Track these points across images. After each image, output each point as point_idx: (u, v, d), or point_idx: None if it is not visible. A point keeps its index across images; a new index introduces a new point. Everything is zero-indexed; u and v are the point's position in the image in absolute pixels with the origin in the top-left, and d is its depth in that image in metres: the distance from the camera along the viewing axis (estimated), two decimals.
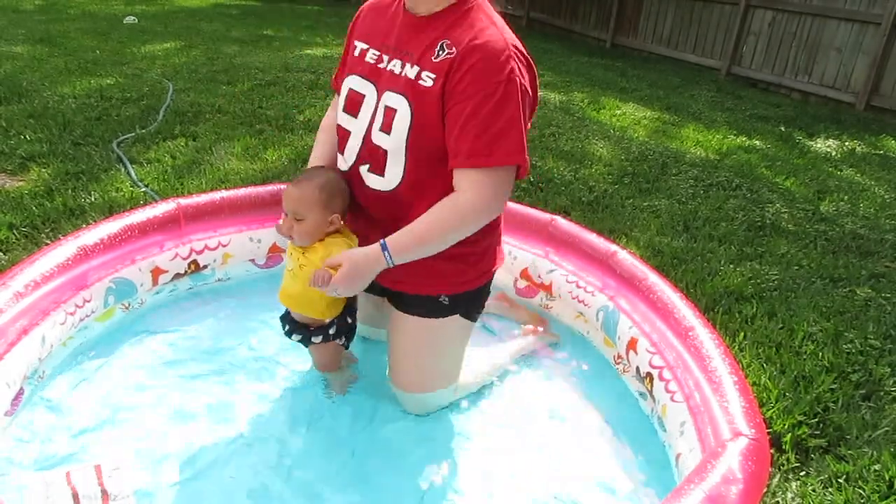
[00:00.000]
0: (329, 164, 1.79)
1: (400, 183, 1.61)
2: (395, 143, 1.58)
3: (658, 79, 7.46)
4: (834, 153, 5.02)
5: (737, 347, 2.28)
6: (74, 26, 7.62)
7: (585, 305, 2.17)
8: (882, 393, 2.10)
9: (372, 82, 1.63)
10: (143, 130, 4.04)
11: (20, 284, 1.78)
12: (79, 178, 3.25)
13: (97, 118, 4.21)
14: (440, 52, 1.51)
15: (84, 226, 2.42)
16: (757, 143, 5.09)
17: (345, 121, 1.70)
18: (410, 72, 1.55)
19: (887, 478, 1.73)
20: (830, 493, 1.70)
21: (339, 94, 1.77)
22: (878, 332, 2.43)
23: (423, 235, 1.55)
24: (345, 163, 1.72)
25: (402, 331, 1.82)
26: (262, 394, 1.90)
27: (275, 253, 2.46)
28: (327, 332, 1.77)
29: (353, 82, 1.68)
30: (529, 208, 2.50)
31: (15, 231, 2.67)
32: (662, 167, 4.19)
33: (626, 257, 2.16)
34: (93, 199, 3.00)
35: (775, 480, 1.72)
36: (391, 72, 1.59)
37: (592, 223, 3.12)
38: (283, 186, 2.52)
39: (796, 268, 2.94)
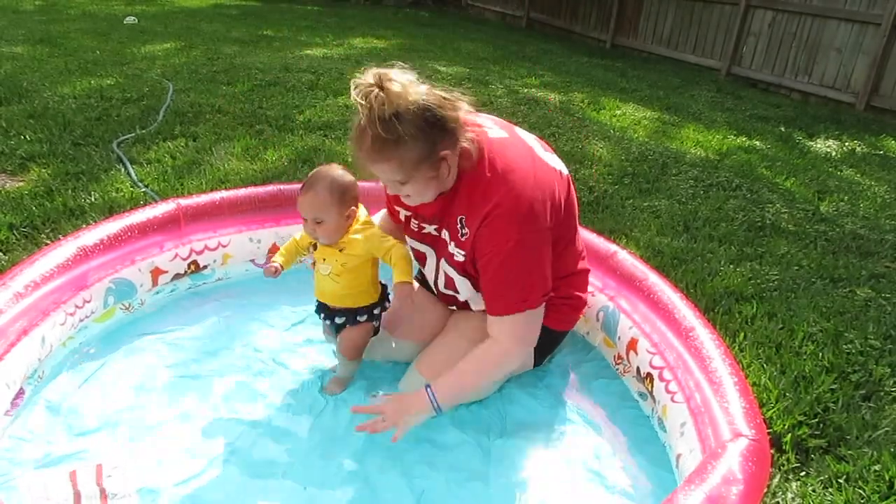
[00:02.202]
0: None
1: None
2: (463, 296, 1.87)
3: (658, 79, 7.46)
4: (834, 153, 5.02)
5: (737, 348, 2.28)
6: (74, 26, 7.62)
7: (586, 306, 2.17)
8: (882, 393, 2.10)
9: (427, 245, 1.88)
10: (144, 131, 4.04)
11: (20, 285, 1.78)
12: (79, 178, 3.25)
13: (97, 118, 4.22)
14: (462, 231, 1.72)
15: (84, 226, 2.42)
16: (757, 143, 5.09)
17: (419, 267, 1.97)
18: (450, 247, 1.79)
19: (887, 478, 1.73)
20: (830, 494, 1.70)
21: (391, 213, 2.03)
22: (878, 332, 2.43)
23: (468, 383, 1.77)
24: (430, 274, 1.96)
25: (465, 320, 1.93)
26: (261, 394, 1.90)
27: (274, 253, 2.46)
28: (371, 311, 1.89)
29: (412, 243, 1.92)
30: None
31: (15, 231, 2.67)
32: (662, 167, 4.20)
33: (626, 257, 2.16)
34: (93, 200, 3.00)
35: (775, 481, 1.72)
36: (440, 238, 1.82)
37: (592, 223, 3.12)
38: (283, 187, 2.53)
39: (796, 268, 2.94)
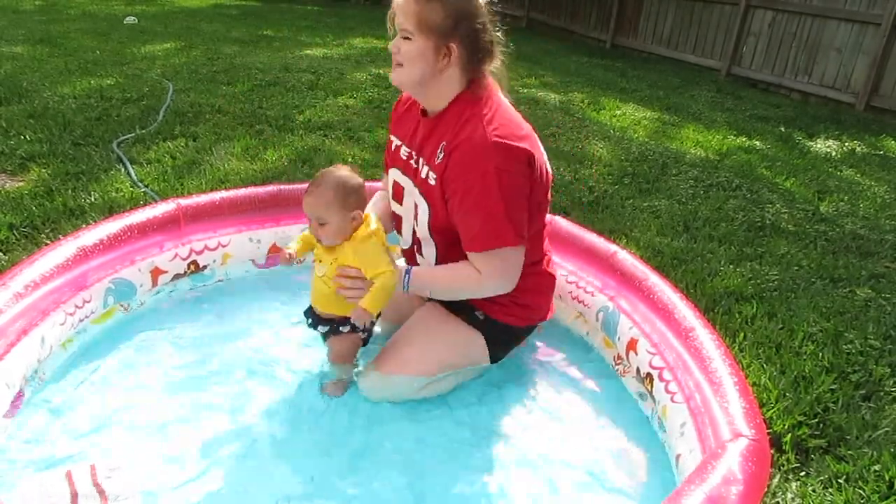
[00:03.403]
0: (383, 217, 1.97)
1: (436, 263, 1.86)
2: (422, 233, 1.84)
3: (658, 79, 7.46)
4: (834, 153, 5.02)
5: (737, 348, 2.27)
6: (74, 26, 7.62)
7: (585, 306, 2.17)
8: (882, 393, 2.10)
9: (407, 176, 1.85)
10: (143, 131, 4.04)
11: (20, 285, 1.78)
12: (79, 178, 3.25)
13: (97, 118, 4.21)
14: (439, 154, 1.71)
15: (84, 226, 2.42)
16: (757, 143, 5.09)
17: (395, 207, 1.95)
18: (423, 171, 1.78)
19: (887, 478, 1.73)
20: (830, 494, 1.70)
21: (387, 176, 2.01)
22: (878, 332, 2.43)
23: (439, 283, 1.81)
24: (405, 243, 1.97)
25: (426, 311, 1.94)
26: (261, 394, 1.90)
27: (274, 253, 2.46)
28: (355, 323, 1.83)
29: (395, 174, 1.91)
30: None
31: (15, 231, 2.67)
32: (662, 167, 4.19)
33: (626, 257, 2.16)
34: (93, 200, 3.00)
35: (775, 481, 1.72)
36: (416, 169, 1.81)
37: (592, 223, 3.12)
38: (283, 187, 2.53)
39: (796, 268, 2.94)
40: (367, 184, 1.83)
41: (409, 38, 1.63)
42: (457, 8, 1.61)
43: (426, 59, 1.64)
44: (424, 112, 1.81)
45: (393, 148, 1.93)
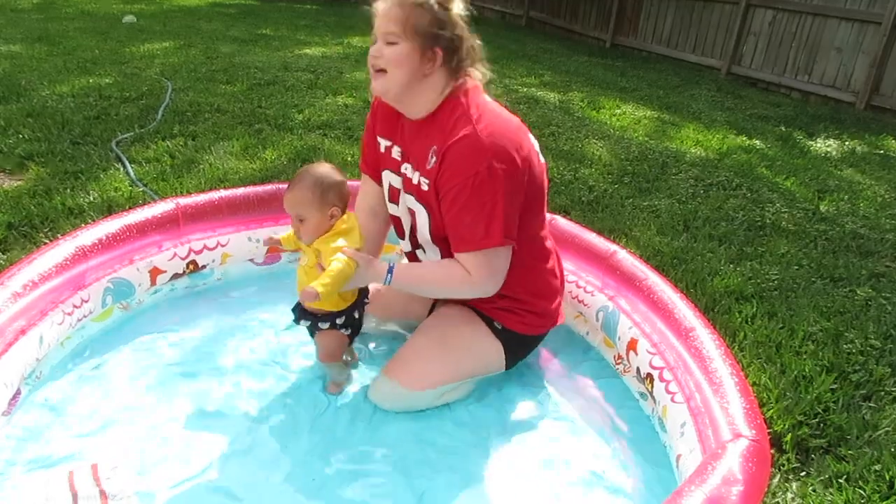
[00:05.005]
0: (372, 245, 1.97)
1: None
2: (424, 238, 1.83)
3: (658, 78, 7.45)
4: (834, 153, 5.01)
5: (737, 347, 2.27)
6: (73, 25, 7.61)
7: (585, 305, 2.17)
8: (882, 393, 2.10)
9: (401, 178, 1.84)
10: (142, 130, 4.03)
11: (18, 284, 1.77)
12: (77, 177, 3.24)
13: (96, 117, 4.21)
14: (431, 159, 1.70)
15: (82, 225, 2.41)
16: (757, 142, 5.08)
17: (392, 209, 1.93)
18: (415, 177, 1.76)
19: (887, 478, 1.72)
20: (831, 494, 1.69)
21: (368, 177, 2.00)
22: (878, 332, 2.42)
23: (424, 282, 1.79)
24: (406, 245, 1.95)
25: (443, 314, 1.94)
26: (261, 394, 1.89)
27: (273, 252, 2.46)
28: (334, 320, 1.83)
29: (389, 177, 1.90)
30: None
31: (13, 230, 2.66)
32: (662, 167, 4.19)
33: (626, 257, 2.16)
34: (91, 199, 2.99)
35: (775, 481, 1.72)
36: (407, 175, 1.80)
37: (592, 223, 3.12)
38: (282, 186, 2.52)
39: (796, 268, 2.93)
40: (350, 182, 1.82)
41: (395, 43, 1.62)
42: (441, 14, 1.63)
43: (412, 62, 1.63)
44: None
45: (383, 149, 1.90)
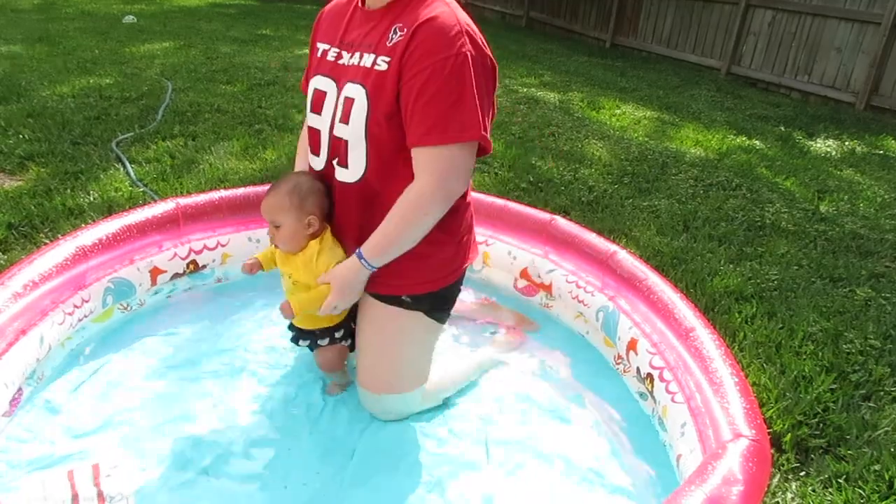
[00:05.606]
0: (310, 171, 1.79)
1: (364, 172, 1.61)
2: (353, 132, 1.58)
3: (658, 79, 7.46)
4: (834, 153, 5.02)
5: (737, 347, 2.27)
6: (73, 25, 7.61)
7: (585, 305, 2.17)
8: (882, 393, 2.10)
9: (333, 78, 1.64)
10: (143, 130, 4.03)
11: (18, 284, 1.77)
12: (78, 177, 3.24)
13: (96, 118, 4.21)
14: (393, 36, 1.51)
15: (83, 225, 2.41)
16: (757, 142, 5.08)
17: (312, 120, 1.71)
18: (367, 60, 1.56)
19: (887, 478, 1.73)
20: (830, 494, 1.69)
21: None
22: (878, 332, 2.43)
23: (392, 233, 1.58)
24: (319, 162, 1.73)
25: (368, 319, 1.79)
26: (260, 394, 1.90)
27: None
28: (333, 335, 1.82)
29: (316, 82, 1.69)
30: (529, 208, 2.49)
31: (14, 231, 2.66)
32: (662, 167, 4.19)
33: (626, 257, 2.16)
34: (92, 199, 2.99)
35: (775, 480, 1.72)
36: (351, 65, 1.60)
37: (592, 223, 3.12)
38: None
39: (796, 268, 2.94)
40: None
41: None
42: None
43: None
44: (363, 3, 1.64)
45: (319, 54, 1.71)
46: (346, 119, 1.59)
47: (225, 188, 2.69)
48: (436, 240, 1.64)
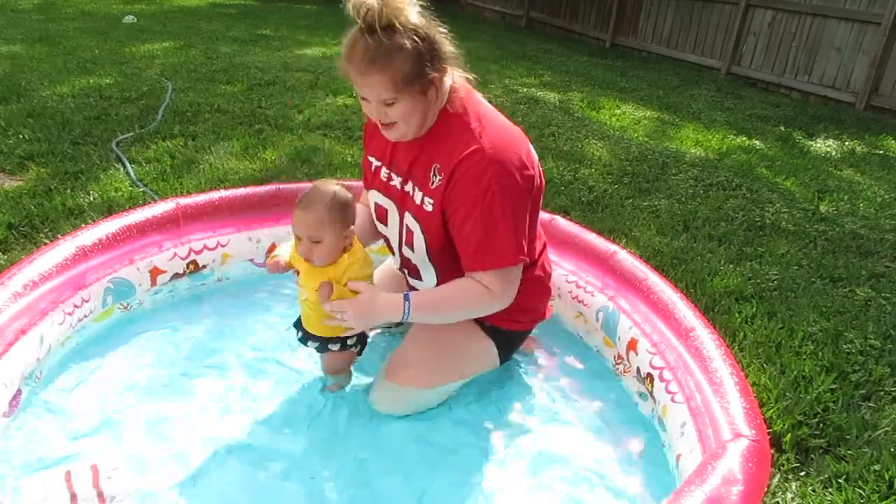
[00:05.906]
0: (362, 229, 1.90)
1: (437, 282, 1.80)
2: (419, 258, 1.78)
3: (658, 79, 7.45)
4: (834, 153, 5.02)
5: (737, 347, 2.27)
6: (73, 25, 7.61)
7: (585, 305, 2.17)
8: (882, 393, 2.10)
9: (390, 199, 1.80)
10: (143, 130, 4.03)
11: (18, 284, 1.77)
12: (77, 177, 3.24)
13: (96, 118, 4.21)
14: (434, 179, 1.66)
15: (83, 225, 2.41)
16: (757, 142, 5.08)
17: (381, 228, 1.91)
18: (417, 197, 1.71)
19: (887, 478, 1.73)
20: (830, 494, 1.69)
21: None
22: (878, 332, 2.43)
23: (440, 305, 1.72)
24: (395, 263, 1.94)
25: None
26: (261, 394, 1.90)
27: (273, 251, 2.46)
28: (345, 341, 1.80)
29: (375, 196, 1.86)
30: None
31: (13, 231, 2.66)
32: (662, 167, 4.19)
33: (626, 257, 2.16)
34: (92, 199, 2.99)
35: (775, 480, 1.72)
36: (404, 192, 1.75)
37: (592, 223, 3.12)
38: (282, 186, 2.52)
39: (796, 268, 2.94)
40: (348, 183, 1.80)
41: (394, 103, 1.54)
42: (411, 42, 1.49)
43: (423, 106, 1.58)
44: None
45: (373, 169, 1.86)
46: (410, 245, 1.78)
47: (225, 188, 2.70)
48: (535, 292, 1.89)
